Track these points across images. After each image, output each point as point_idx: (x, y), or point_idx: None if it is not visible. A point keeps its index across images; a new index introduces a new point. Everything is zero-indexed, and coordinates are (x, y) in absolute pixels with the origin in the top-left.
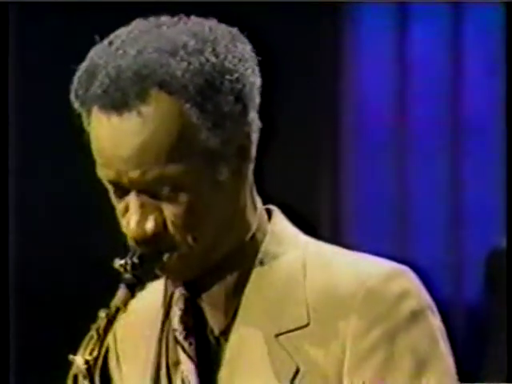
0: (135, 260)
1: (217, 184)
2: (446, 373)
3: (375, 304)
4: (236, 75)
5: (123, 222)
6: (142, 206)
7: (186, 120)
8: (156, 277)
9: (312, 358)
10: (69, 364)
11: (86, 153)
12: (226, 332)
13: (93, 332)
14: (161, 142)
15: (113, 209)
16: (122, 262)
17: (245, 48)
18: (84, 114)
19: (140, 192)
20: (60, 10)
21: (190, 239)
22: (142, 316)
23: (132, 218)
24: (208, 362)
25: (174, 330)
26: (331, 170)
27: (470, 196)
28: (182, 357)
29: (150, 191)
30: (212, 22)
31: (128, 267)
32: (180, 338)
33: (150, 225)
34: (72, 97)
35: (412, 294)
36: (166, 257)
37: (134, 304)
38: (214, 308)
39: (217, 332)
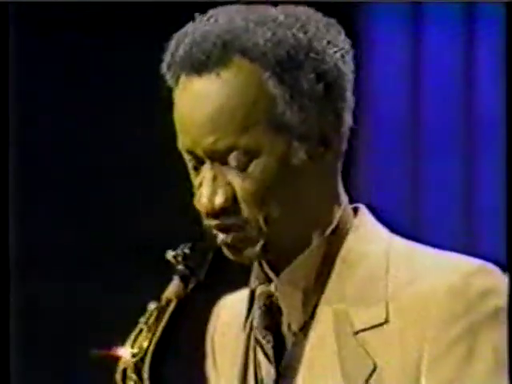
0: (186, 250)
1: (291, 165)
2: None
3: (457, 299)
4: (322, 56)
5: (196, 195)
6: (215, 179)
7: (264, 89)
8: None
9: (390, 354)
10: (69, 364)
11: (86, 153)
12: (304, 329)
13: (142, 325)
14: (236, 109)
15: (113, 209)
16: (174, 253)
17: (338, 36)
18: (173, 87)
19: (213, 162)
20: (60, 9)
21: (260, 219)
22: (237, 316)
23: (203, 190)
24: (286, 359)
25: (255, 329)
26: (344, 172)
27: (484, 197)
28: (261, 355)
29: (222, 161)
30: (308, 9)
31: (179, 258)
32: (259, 336)
33: (219, 199)
34: (163, 67)
35: (497, 291)
36: (232, 234)
37: (232, 305)
38: (293, 305)
39: (295, 329)
